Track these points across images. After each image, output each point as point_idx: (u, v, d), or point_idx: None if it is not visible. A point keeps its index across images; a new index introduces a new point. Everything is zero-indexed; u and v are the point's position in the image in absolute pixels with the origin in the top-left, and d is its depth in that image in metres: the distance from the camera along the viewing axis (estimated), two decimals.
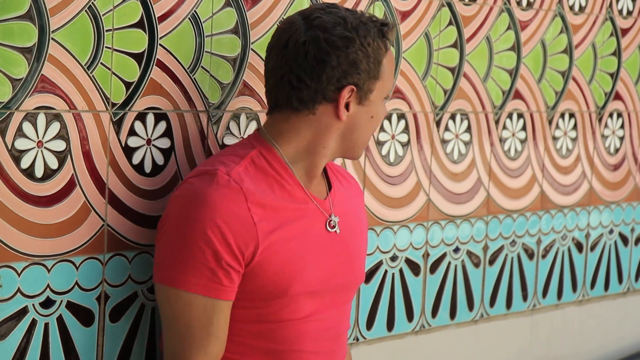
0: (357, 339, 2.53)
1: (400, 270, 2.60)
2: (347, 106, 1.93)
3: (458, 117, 2.67)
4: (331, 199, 2.02)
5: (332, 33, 1.89)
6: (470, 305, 2.79)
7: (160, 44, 2.04)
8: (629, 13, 3.08)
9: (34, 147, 1.89)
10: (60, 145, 1.93)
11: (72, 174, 1.95)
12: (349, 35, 1.89)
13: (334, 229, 2.00)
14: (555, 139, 2.94)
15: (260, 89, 2.21)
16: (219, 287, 1.86)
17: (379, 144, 2.51)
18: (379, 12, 2.45)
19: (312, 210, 1.98)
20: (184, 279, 1.86)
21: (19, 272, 1.90)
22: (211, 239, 1.84)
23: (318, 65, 1.89)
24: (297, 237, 1.94)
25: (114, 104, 1.99)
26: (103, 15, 1.95)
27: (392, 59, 1.98)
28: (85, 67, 1.94)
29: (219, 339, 1.89)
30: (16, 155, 1.87)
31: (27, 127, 1.88)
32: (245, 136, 2.15)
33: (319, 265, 1.97)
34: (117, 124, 2.00)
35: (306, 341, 1.97)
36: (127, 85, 2.01)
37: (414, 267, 2.63)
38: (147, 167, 2.05)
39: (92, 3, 1.92)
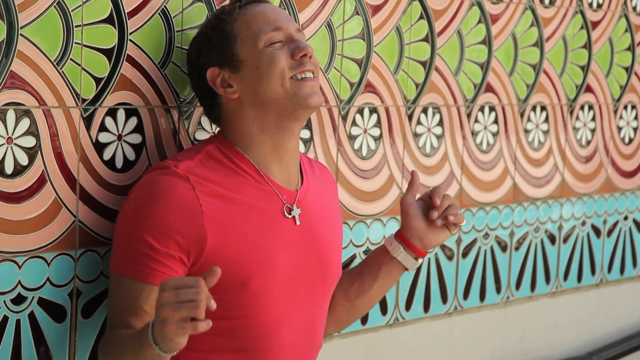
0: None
1: None
2: (228, 84, 1.98)
3: (430, 111, 2.68)
4: (300, 192, 2.03)
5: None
6: (444, 298, 2.80)
7: (130, 40, 2.04)
8: (599, 6, 3.10)
9: (4, 144, 1.89)
10: (30, 142, 1.92)
11: (43, 170, 1.94)
12: (193, 39, 2.06)
13: (291, 215, 1.99)
14: (527, 131, 2.96)
15: None
16: (150, 272, 1.86)
17: (351, 137, 2.52)
18: (349, 6, 2.46)
19: (270, 195, 1.98)
20: (119, 263, 1.90)
21: None
22: (151, 226, 1.86)
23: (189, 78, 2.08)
24: (255, 225, 1.94)
25: (84, 100, 1.99)
26: (72, 10, 1.94)
27: (257, 14, 1.99)
28: (55, 63, 1.93)
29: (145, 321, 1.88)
30: None
31: None
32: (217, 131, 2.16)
33: (281, 258, 1.96)
34: (88, 120, 2.00)
35: (278, 340, 1.97)
36: (97, 81, 2.00)
37: None
38: (118, 162, 2.05)
39: None
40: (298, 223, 2.00)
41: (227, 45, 1.98)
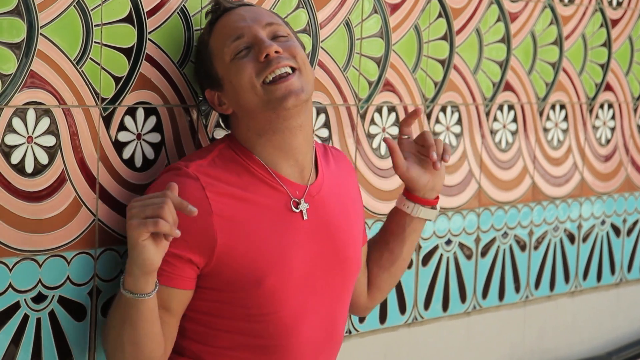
0: (350, 332, 2.53)
1: None
2: (222, 102, 2.01)
3: (449, 110, 2.68)
4: (311, 188, 2.02)
5: None
6: (463, 297, 2.79)
7: (149, 39, 2.04)
8: (619, 4, 3.09)
9: (24, 143, 1.90)
10: (50, 141, 1.93)
11: (63, 169, 1.95)
12: None
13: (299, 210, 1.98)
14: (546, 130, 2.95)
15: None
16: (159, 273, 1.85)
17: (370, 136, 2.52)
18: (368, 5, 2.45)
19: (280, 192, 1.98)
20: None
21: (11, 268, 1.90)
22: None
23: None
24: (266, 223, 1.94)
25: (103, 99, 2.00)
26: (92, 10, 1.95)
27: (221, 28, 1.99)
28: (75, 62, 1.94)
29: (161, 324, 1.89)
30: (6, 151, 1.87)
31: (17, 123, 1.88)
32: None
33: (295, 254, 1.96)
34: (107, 119, 2.00)
35: (297, 336, 1.98)
36: (117, 80, 2.01)
37: None
38: (138, 161, 2.06)
39: None
40: (305, 218, 1.99)
41: (209, 66, 2.01)
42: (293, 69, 1.95)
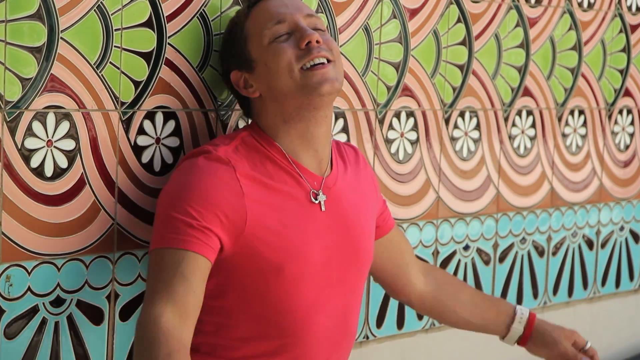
0: (367, 337, 2.53)
1: None
2: (249, 85, 2.01)
3: (467, 115, 2.67)
4: (327, 180, 2.03)
5: None
6: None
7: (169, 43, 2.04)
8: (639, 9, 3.07)
9: (44, 146, 1.90)
10: (69, 145, 1.94)
11: (82, 173, 1.95)
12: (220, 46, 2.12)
13: (317, 201, 2.00)
14: (564, 136, 2.94)
15: None
16: (191, 240, 1.84)
17: (388, 141, 2.51)
18: (387, 10, 2.45)
19: (299, 182, 1.99)
20: (160, 238, 1.87)
21: (29, 271, 1.91)
22: (195, 200, 1.86)
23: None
24: (288, 211, 1.95)
25: (123, 103, 2.00)
26: (112, 14, 1.95)
27: (261, 11, 2.01)
28: (95, 67, 1.95)
29: (190, 292, 1.83)
30: (26, 155, 1.88)
31: (37, 126, 1.89)
32: None
33: (313, 244, 1.97)
34: (126, 123, 2.01)
35: (311, 328, 1.98)
36: (136, 84, 2.01)
37: None
38: (157, 165, 2.06)
39: (101, 2, 1.93)
40: (323, 209, 2.00)
41: (242, 47, 2.01)
42: (329, 61, 1.98)
